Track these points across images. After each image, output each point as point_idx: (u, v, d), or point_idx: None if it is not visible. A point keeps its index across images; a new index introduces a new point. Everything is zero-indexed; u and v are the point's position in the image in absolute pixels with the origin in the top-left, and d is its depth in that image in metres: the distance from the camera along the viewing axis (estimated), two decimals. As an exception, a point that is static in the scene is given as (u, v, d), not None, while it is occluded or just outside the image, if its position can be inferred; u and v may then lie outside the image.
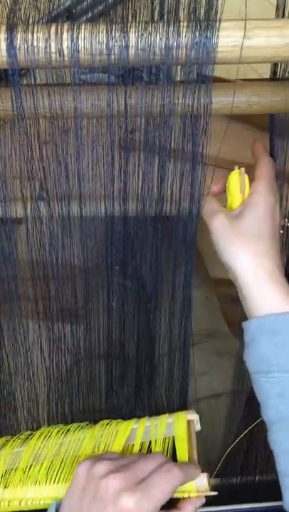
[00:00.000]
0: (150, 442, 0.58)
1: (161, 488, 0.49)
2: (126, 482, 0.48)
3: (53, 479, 0.57)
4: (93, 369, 0.68)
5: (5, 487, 0.58)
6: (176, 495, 0.53)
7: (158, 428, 0.58)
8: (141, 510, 0.47)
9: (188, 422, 0.59)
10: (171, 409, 0.68)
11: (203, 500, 0.54)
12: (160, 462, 0.51)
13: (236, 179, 0.56)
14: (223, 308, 1.02)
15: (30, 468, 0.58)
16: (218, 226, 0.54)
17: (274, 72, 0.60)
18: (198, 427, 0.59)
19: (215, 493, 0.54)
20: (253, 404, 0.68)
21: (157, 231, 0.58)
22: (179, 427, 0.58)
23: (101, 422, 0.62)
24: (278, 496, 0.50)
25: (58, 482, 0.57)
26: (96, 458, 0.52)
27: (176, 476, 0.50)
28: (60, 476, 0.57)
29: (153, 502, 0.48)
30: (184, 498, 0.54)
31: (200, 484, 0.54)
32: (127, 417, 0.62)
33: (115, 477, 0.48)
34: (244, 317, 0.53)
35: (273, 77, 0.60)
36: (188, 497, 0.53)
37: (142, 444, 0.58)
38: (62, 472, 0.57)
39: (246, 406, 0.70)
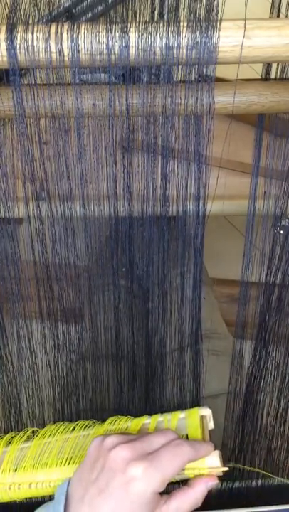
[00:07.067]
0: None
1: (170, 461, 0.47)
2: (135, 452, 0.47)
3: (63, 462, 0.56)
4: (100, 370, 0.67)
5: (15, 471, 0.57)
6: (187, 472, 0.51)
7: (170, 423, 0.56)
8: (149, 480, 0.46)
9: (202, 417, 0.56)
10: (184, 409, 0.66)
11: (215, 481, 0.51)
12: (171, 438, 0.50)
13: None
14: (222, 308, 1.00)
15: (39, 455, 0.57)
16: None
17: (267, 72, 0.58)
18: (211, 424, 0.56)
19: (226, 468, 0.52)
20: (251, 405, 0.66)
21: (164, 232, 0.56)
22: (192, 422, 0.56)
23: (109, 419, 0.59)
24: (278, 501, 0.48)
25: (68, 464, 0.55)
26: (108, 433, 0.51)
27: (186, 452, 0.49)
28: (70, 459, 0.56)
29: (161, 473, 0.46)
30: (195, 477, 0.51)
31: (212, 462, 0.52)
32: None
33: (124, 447, 0.48)
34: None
35: (266, 77, 0.58)
36: (200, 475, 0.51)
37: None
38: (72, 456, 0.56)
39: (244, 407, 0.68)
